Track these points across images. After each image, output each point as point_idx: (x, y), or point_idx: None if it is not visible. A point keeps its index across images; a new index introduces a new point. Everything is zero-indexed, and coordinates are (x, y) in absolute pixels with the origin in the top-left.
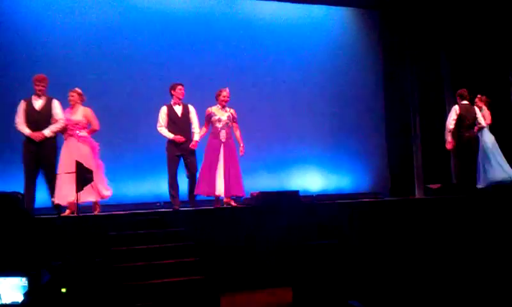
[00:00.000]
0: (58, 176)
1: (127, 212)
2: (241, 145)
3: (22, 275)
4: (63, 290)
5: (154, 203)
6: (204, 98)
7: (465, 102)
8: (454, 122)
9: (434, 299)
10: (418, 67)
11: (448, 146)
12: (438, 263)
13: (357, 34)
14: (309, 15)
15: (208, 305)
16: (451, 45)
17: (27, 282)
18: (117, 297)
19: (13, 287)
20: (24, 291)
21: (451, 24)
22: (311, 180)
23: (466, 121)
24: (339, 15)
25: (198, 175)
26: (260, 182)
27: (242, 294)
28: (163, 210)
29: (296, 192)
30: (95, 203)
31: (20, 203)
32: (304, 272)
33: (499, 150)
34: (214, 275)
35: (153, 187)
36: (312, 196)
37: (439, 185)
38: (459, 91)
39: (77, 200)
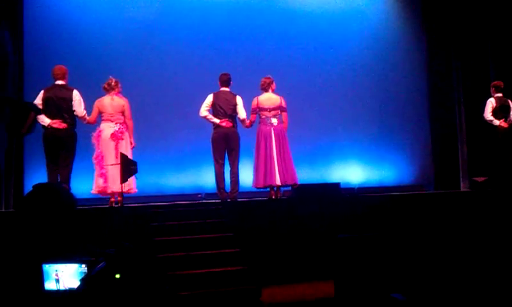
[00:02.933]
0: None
1: (169, 203)
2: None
3: (80, 263)
4: (117, 275)
5: (196, 195)
6: (243, 89)
7: (500, 94)
8: (491, 114)
9: (478, 293)
10: (464, 57)
11: (503, 124)
12: (483, 258)
13: (400, 23)
14: (350, 3)
15: (250, 296)
16: (498, 34)
17: (86, 269)
18: (161, 285)
19: (71, 274)
20: (80, 278)
21: (499, 12)
22: (352, 172)
23: (501, 114)
24: (382, 4)
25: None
26: (301, 174)
27: (283, 286)
28: (205, 201)
29: (337, 185)
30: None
31: (67, 193)
32: (347, 265)
33: None
34: (255, 267)
35: (195, 178)
36: (354, 188)
37: (485, 178)
38: (494, 82)
39: (121, 190)
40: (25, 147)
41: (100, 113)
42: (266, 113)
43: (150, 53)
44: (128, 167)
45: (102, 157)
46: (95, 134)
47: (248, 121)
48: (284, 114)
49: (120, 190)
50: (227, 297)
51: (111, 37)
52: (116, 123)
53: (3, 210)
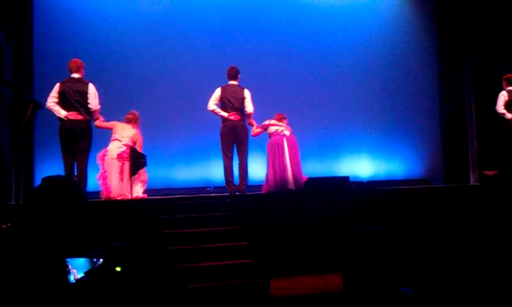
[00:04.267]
0: None
1: (178, 196)
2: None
3: (99, 257)
4: (118, 268)
5: (205, 188)
6: (252, 83)
7: None
8: (503, 107)
9: (487, 287)
10: (475, 49)
11: None
12: (492, 252)
13: (411, 16)
14: None
15: (258, 289)
16: (510, 26)
17: (101, 262)
18: (170, 278)
19: (82, 267)
20: (85, 271)
21: (511, 3)
22: (362, 166)
23: None
24: None
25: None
26: (310, 168)
27: (291, 279)
28: (214, 194)
29: (346, 178)
30: None
31: (77, 186)
32: (355, 259)
33: None
34: (264, 260)
35: (203, 172)
36: (363, 182)
37: (495, 172)
38: (506, 75)
39: (131, 185)
40: (35, 140)
41: (112, 131)
42: (278, 126)
43: (158, 48)
44: (137, 160)
45: (106, 176)
46: (99, 154)
47: (254, 129)
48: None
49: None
50: (236, 290)
51: (120, 32)
52: (124, 145)
53: (13, 203)
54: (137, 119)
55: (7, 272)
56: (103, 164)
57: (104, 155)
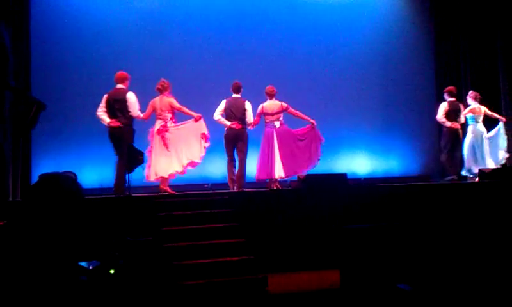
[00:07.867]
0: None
1: (176, 193)
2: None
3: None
4: (111, 271)
5: (202, 185)
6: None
7: (453, 98)
8: (443, 116)
9: (485, 284)
10: (471, 46)
11: (455, 125)
12: (490, 248)
13: (408, 15)
14: None
15: (257, 285)
16: (507, 24)
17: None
18: (167, 275)
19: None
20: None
21: (508, 2)
22: (359, 162)
23: (453, 116)
24: None
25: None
26: None
27: (289, 275)
28: (212, 191)
29: (343, 175)
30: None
31: (73, 183)
32: (353, 255)
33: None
34: (262, 256)
35: (201, 169)
36: (360, 179)
37: (491, 169)
38: (447, 88)
39: (128, 181)
40: (32, 136)
41: (154, 111)
42: (270, 117)
43: (157, 47)
44: (135, 157)
45: (150, 150)
46: (150, 130)
47: (251, 126)
48: (290, 110)
49: (164, 175)
50: (234, 287)
51: (119, 32)
52: (162, 120)
53: (11, 200)
54: (168, 86)
55: (4, 269)
56: (151, 140)
57: (153, 132)
